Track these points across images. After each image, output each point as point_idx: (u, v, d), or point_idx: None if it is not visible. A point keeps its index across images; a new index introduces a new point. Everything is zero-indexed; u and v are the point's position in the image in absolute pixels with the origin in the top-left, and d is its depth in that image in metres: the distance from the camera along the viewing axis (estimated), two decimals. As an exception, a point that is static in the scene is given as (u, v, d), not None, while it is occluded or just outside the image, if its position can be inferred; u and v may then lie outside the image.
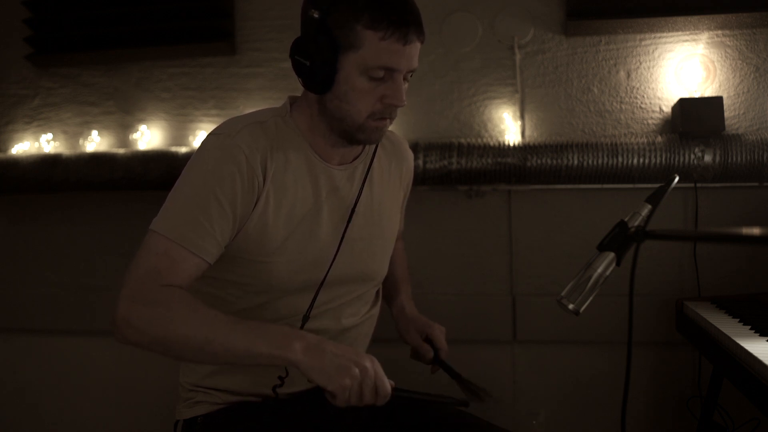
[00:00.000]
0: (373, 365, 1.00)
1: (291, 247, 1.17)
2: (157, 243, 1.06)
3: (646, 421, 1.93)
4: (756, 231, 0.86)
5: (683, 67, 1.87)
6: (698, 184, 1.82)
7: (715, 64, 1.87)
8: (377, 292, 1.38)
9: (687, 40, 1.88)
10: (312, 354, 0.98)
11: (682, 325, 1.64)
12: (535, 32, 1.94)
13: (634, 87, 1.91)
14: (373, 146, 1.27)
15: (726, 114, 1.80)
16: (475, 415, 1.26)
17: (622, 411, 0.94)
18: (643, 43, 1.90)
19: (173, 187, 1.13)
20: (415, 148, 1.80)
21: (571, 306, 1.01)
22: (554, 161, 1.80)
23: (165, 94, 2.13)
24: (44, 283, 2.20)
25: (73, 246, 2.18)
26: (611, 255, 1.00)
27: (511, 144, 1.85)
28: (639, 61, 1.90)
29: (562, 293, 1.02)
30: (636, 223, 1.00)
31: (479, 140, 1.88)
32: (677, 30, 1.87)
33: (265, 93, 2.07)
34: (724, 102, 1.79)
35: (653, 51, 1.89)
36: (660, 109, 1.89)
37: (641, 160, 1.76)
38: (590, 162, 1.79)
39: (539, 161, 1.81)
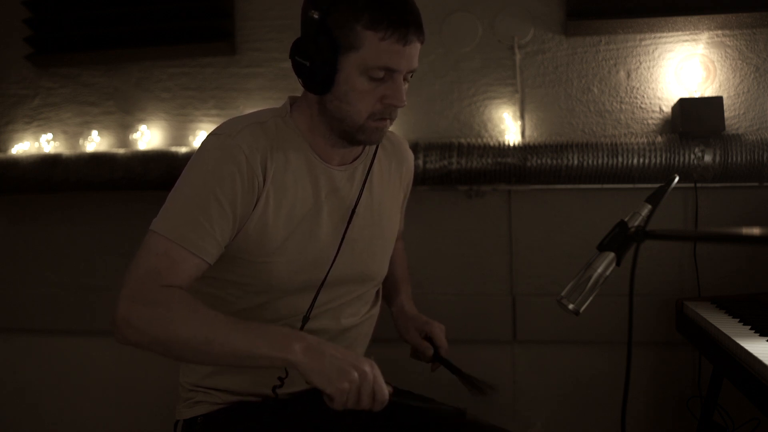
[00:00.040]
0: (372, 370, 1.00)
1: (291, 247, 1.17)
2: (157, 243, 1.06)
3: (646, 421, 1.93)
4: (756, 231, 0.86)
5: (683, 67, 1.87)
6: (698, 184, 1.82)
7: (715, 64, 1.87)
8: (377, 292, 1.38)
9: (687, 40, 1.88)
10: (312, 356, 0.98)
11: (682, 325, 1.64)
12: (535, 32, 1.94)
13: (634, 87, 1.91)
14: (374, 147, 1.27)
15: (726, 114, 1.80)
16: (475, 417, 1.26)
17: (622, 411, 0.94)
18: (643, 43, 1.90)
19: (173, 187, 1.13)
20: (415, 148, 1.80)
21: (571, 306, 1.01)
22: (554, 161, 1.80)
23: (165, 94, 2.13)
24: (44, 283, 2.20)
25: (73, 246, 2.18)
26: (611, 255, 1.00)
27: (511, 144, 1.85)
28: (639, 61, 1.90)
29: (562, 293, 1.02)
30: (636, 223, 1.00)
31: (479, 140, 1.88)
32: (677, 30, 1.87)
33: (265, 93, 2.07)
34: (724, 102, 1.79)
35: (653, 51, 1.89)
36: (660, 109, 1.89)
37: (641, 160, 1.76)
38: (590, 162, 1.79)
39: (539, 161, 1.81)
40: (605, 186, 1.85)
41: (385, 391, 1.01)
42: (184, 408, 1.28)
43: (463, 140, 1.88)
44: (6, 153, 2.17)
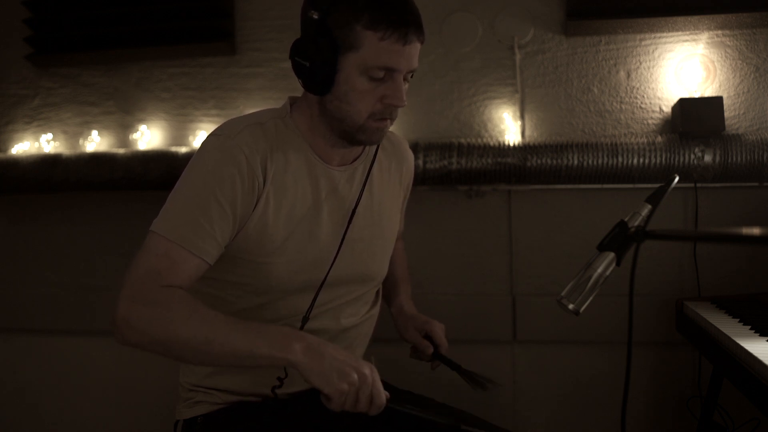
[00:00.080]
0: (371, 373, 1.00)
1: (291, 247, 1.17)
2: (157, 244, 1.06)
3: (646, 421, 1.93)
4: (756, 231, 0.86)
5: (683, 67, 1.87)
6: (698, 184, 1.82)
7: (715, 64, 1.87)
8: (377, 292, 1.38)
9: (687, 40, 1.88)
10: (312, 356, 0.98)
11: (682, 325, 1.64)
12: (535, 32, 1.94)
13: (634, 87, 1.91)
14: (374, 147, 1.27)
15: (726, 114, 1.80)
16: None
17: (622, 411, 0.94)
18: (643, 43, 1.90)
19: (173, 188, 1.13)
20: (415, 148, 1.80)
21: (571, 306, 1.01)
22: (554, 161, 1.80)
23: (165, 94, 2.13)
24: (44, 283, 2.20)
25: (73, 246, 2.18)
26: (611, 255, 1.00)
27: (511, 144, 1.85)
28: (639, 61, 1.90)
29: (562, 293, 1.02)
30: (636, 223, 1.00)
31: (479, 140, 1.88)
32: (677, 30, 1.87)
33: (265, 93, 2.07)
34: (724, 102, 1.79)
35: (653, 51, 1.89)
36: (660, 109, 1.89)
37: (641, 160, 1.76)
38: (590, 162, 1.79)
39: (539, 161, 1.81)
40: (605, 186, 1.85)
41: (383, 395, 1.01)
42: (184, 408, 1.28)
43: (463, 140, 1.88)
44: (6, 153, 2.17)
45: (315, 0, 1.09)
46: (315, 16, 1.08)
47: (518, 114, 1.94)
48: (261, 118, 1.19)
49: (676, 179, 1.04)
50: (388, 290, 1.46)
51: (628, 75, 1.91)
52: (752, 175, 1.75)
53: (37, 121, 2.20)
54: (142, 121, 2.14)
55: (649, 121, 1.90)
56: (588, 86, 1.93)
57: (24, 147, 2.18)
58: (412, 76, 1.15)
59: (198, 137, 2.08)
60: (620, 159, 1.77)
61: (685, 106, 1.77)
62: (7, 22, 2.17)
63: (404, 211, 1.46)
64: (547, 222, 1.95)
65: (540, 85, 1.95)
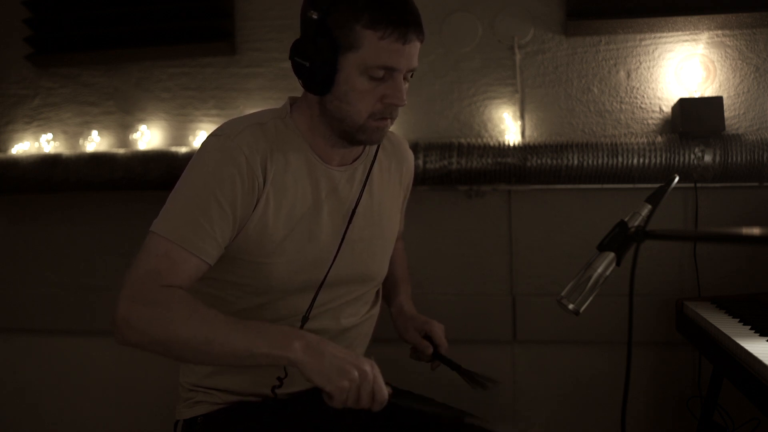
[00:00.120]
0: (372, 370, 1.00)
1: (291, 247, 1.17)
2: (157, 244, 1.06)
3: (646, 421, 1.93)
4: (756, 231, 0.86)
5: (683, 67, 1.87)
6: (698, 184, 1.82)
7: (715, 64, 1.87)
8: (377, 292, 1.38)
9: (687, 40, 1.88)
10: (312, 354, 0.98)
11: (682, 325, 1.64)
12: (535, 32, 1.94)
13: (634, 87, 1.91)
14: (374, 147, 1.27)
15: (726, 114, 1.80)
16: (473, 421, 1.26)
17: (622, 411, 0.94)
18: (643, 43, 1.90)
19: (174, 188, 1.13)
20: (415, 148, 1.80)
21: (571, 306, 1.01)
22: (554, 161, 1.80)
23: (165, 94, 2.13)
24: (44, 283, 2.20)
25: (73, 246, 2.18)
26: (611, 255, 1.00)
27: (511, 144, 1.85)
28: (639, 61, 1.90)
29: (562, 293, 1.02)
30: (636, 223, 1.00)
31: (479, 140, 1.88)
32: (677, 30, 1.87)
33: (265, 93, 2.07)
34: (724, 102, 1.79)
35: (653, 51, 1.89)
36: (660, 109, 1.89)
37: (641, 160, 1.76)
38: (590, 162, 1.79)
39: (539, 161, 1.81)
40: (605, 186, 1.85)
41: (385, 391, 1.01)
42: (184, 408, 1.28)
43: (463, 140, 1.88)
44: (6, 153, 2.17)
45: (315, 0, 1.09)
46: (315, 16, 1.08)
47: (518, 114, 1.94)
48: (261, 118, 1.19)
49: (676, 179, 1.04)
50: (388, 290, 1.46)
51: (628, 75, 1.91)
52: (752, 175, 1.75)
53: (37, 121, 2.20)
54: (142, 121, 2.14)
55: (649, 121, 1.90)
56: (588, 86, 1.93)
57: (24, 147, 2.18)
58: (412, 76, 1.15)
59: (198, 137, 2.08)
60: (620, 159, 1.77)
61: (685, 106, 1.77)
62: (7, 22, 2.17)
63: (404, 211, 1.46)
64: (547, 222, 1.95)
65: (540, 85, 1.95)
